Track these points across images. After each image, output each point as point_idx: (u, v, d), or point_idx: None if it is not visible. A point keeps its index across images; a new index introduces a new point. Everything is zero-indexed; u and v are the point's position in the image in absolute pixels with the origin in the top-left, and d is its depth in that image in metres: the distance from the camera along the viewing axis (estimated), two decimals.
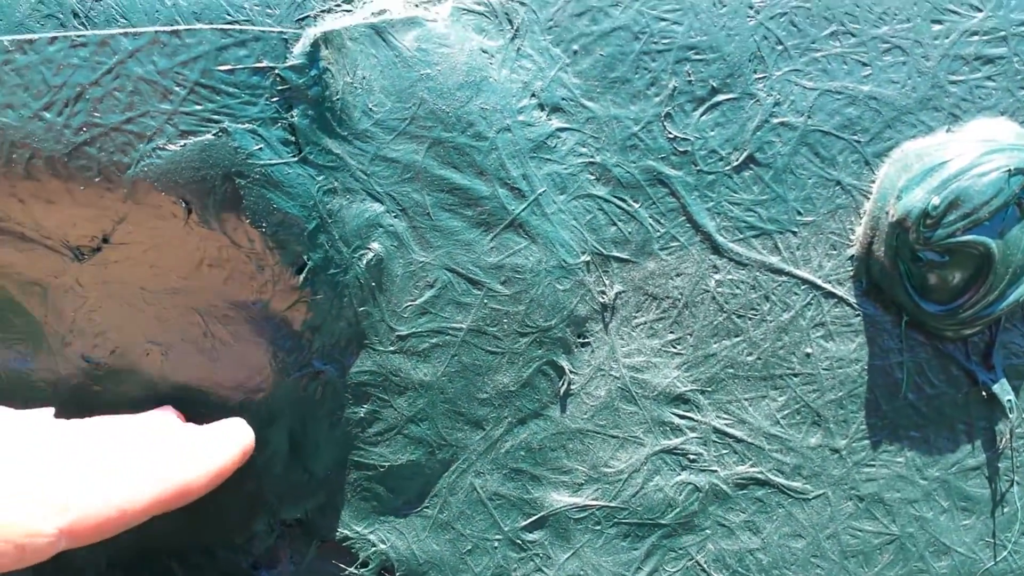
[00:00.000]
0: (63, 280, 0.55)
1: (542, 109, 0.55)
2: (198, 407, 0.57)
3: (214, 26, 0.48)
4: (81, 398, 0.58)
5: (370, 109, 0.53)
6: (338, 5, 0.53)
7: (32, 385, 0.58)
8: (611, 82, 0.56)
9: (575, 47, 0.55)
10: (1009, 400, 0.58)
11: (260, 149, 0.50)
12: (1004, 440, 0.58)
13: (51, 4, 0.49)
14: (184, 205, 0.50)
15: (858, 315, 0.58)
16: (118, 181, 0.49)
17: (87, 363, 0.57)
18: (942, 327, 0.57)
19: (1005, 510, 0.59)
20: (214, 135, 0.49)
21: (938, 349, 0.58)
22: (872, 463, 0.58)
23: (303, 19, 0.52)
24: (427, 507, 0.58)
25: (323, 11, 0.53)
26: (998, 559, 0.59)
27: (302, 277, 0.53)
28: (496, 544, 0.59)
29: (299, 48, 0.51)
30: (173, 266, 0.53)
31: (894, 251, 0.55)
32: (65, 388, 0.58)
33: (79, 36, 0.48)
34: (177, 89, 0.49)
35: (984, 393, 0.58)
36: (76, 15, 0.49)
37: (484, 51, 0.55)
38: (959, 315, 0.56)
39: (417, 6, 0.54)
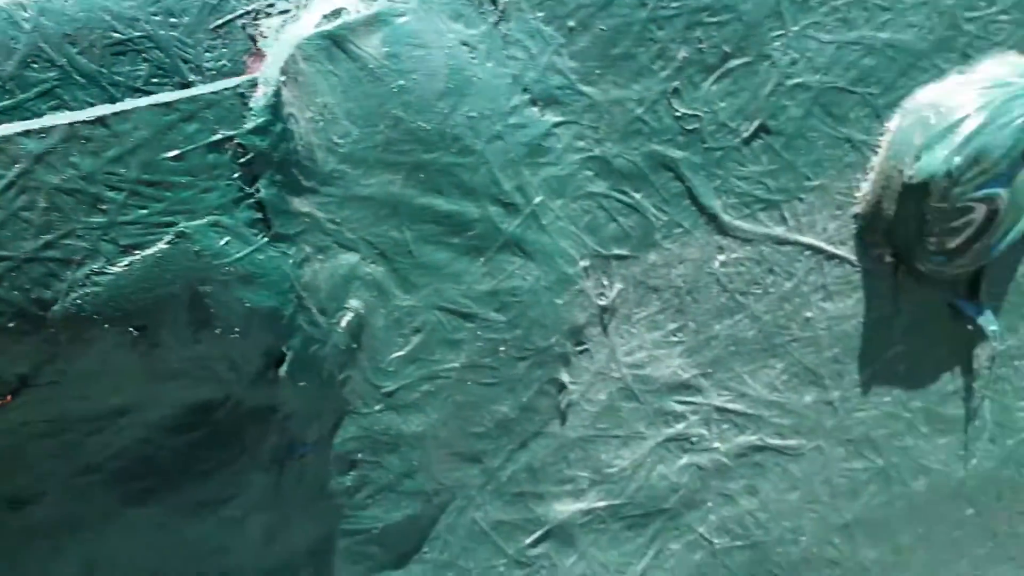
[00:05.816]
0: None
1: (535, 104, 0.45)
2: None
3: (153, 101, 0.34)
4: None
5: (335, 143, 0.41)
6: (270, 5, 0.39)
7: None
8: (612, 60, 0.45)
9: (571, 23, 0.44)
10: (993, 330, 0.57)
11: (227, 244, 0.37)
12: (980, 363, 0.58)
13: None
14: (136, 332, 0.37)
15: (857, 271, 0.53)
16: (39, 322, 0.35)
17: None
18: (938, 272, 0.54)
19: (976, 423, 0.60)
20: (169, 243, 0.36)
21: (929, 291, 0.55)
22: (862, 407, 0.56)
23: (221, 26, 0.38)
24: (426, 551, 0.51)
25: (246, 13, 0.39)
26: (968, 468, 0.60)
27: (283, 370, 0.42)
28: (502, 569, 0.53)
29: (260, 99, 0.37)
30: (113, 390, 0.40)
31: (908, 210, 0.51)
32: None
33: None
34: (111, 195, 0.34)
35: (969, 326, 0.57)
36: None
37: (465, 44, 0.42)
38: (957, 261, 0.53)
39: None
